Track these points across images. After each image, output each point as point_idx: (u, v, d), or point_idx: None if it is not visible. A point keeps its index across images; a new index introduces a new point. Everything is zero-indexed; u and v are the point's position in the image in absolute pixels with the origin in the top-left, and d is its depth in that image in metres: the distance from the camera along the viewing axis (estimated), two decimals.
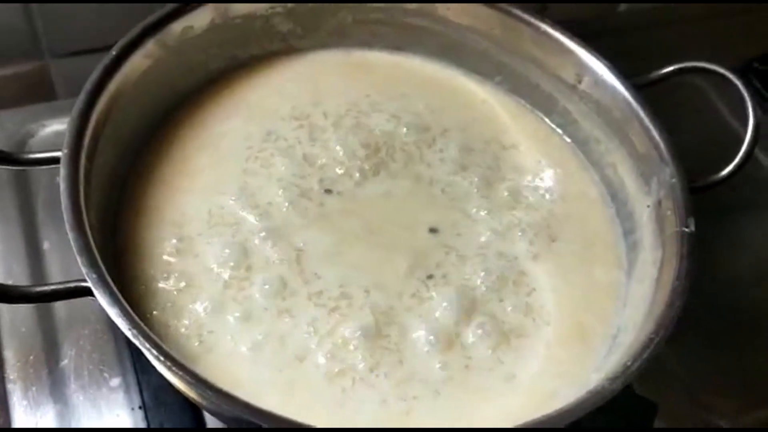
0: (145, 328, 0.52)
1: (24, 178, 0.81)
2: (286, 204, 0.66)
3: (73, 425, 0.68)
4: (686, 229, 0.62)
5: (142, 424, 0.68)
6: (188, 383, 0.50)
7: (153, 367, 0.55)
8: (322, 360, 0.58)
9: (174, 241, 0.63)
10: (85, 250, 0.53)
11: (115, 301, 0.52)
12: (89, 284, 0.52)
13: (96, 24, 0.86)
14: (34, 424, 0.67)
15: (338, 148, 0.70)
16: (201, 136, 0.70)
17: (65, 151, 0.57)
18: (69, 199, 0.55)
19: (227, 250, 0.63)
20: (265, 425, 0.49)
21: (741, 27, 1.04)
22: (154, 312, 0.59)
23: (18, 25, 0.90)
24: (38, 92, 0.92)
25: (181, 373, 0.50)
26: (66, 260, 0.75)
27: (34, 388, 0.69)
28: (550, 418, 0.51)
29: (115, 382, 0.70)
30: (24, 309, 0.73)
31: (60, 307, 0.73)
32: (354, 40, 0.78)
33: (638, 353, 0.55)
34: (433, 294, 0.63)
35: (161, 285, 0.61)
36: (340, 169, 0.69)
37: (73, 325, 0.72)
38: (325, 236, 0.64)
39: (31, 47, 0.90)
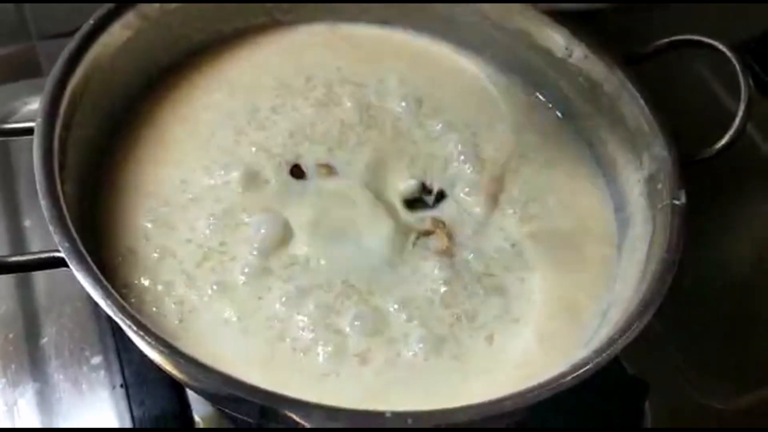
0: (120, 299, 0.50)
1: (5, 155, 0.80)
2: (267, 178, 0.65)
3: (54, 404, 0.67)
4: (677, 202, 0.61)
5: (123, 403, 0.67)
6: (163, 354, 0.49)
7: (135, 345, 0.54)
8: (303, 333, 0.57)
9: (152, 213, 0.62)
10: (58, 220, 0.52)
11: (89, 271, 0.50)
12: (63, 254, 0.51)
13: (83, 6, 0.85)
14: (13, 402, 0.67)
15: (322, 122, 0.69)
16: (182, 109, 0.68)
17: (38, 120, 0.56)
18: (42, 168, 0.54)
19: (206, 222, 0.61)
20: (243, 397, 0.48)
21: (737, 8, 1.03)
22: (134, 282, 0.58)
23: (6, 7, 0.89)
24: (25, 73, 0.91)
25: (155, 344, 0.49)
26: (48, 238, 0.73)
27: (13, 366, 0.68)
28: (532, 390, 0.50)
29: (97, 360, 0.69)
30: (4, 287, 0.72)
31: (41, 284, 0.72)
32: (341, 14, 0.76)
33: (626, 327, 0.54)
34: (425, 268, 0.62)
35: (140, 257, 0.59)
36: (323, 143, 0.68)
37: (54, 302, 0.72)
38: (306, 209, 0.63)
39: (18, 29, 0.90)
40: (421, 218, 0.65)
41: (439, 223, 0.65)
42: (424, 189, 0.67)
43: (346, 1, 0.75)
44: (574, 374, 0.50)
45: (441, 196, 0.67)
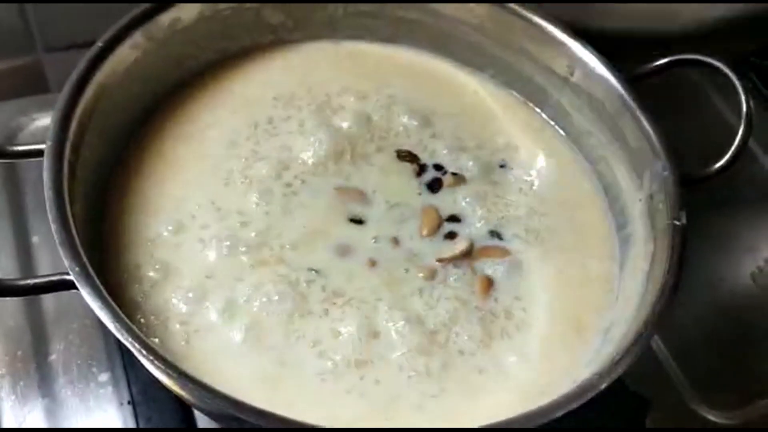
0: (128, 321, 0.51)
1: (14, 173, 0.80)
2: (272, 194, 0.65)
3: (62, 420, 0.68)
4: (677, 222, 0.61)
5: (130, 420, 0.67)
6: (171, 377, 0.49)
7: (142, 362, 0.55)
8: (310, 353, 0.58)
9: (160, 231, 0.62)
10: (68, 243, 0.52)
11: (98, 294, 0.51)
12: (72, 277, 0.52)
13: (88, 19, 0.85)
14: (22, 418, 0.67)
15: (326, 138, 0.69)
16: (187, 128, 0.69)
17: (49, 143, 0.57)
18: (52, 192, 0.55)
19: (213, 240, 0.62)
20: (248, 420, 0.49)
21: (738, 21, 1.03)
22: (139, 300, 0.59)
23: (12, 20, 0.90)
24: (31, 86, 0.92)
25: (163, 367, 0.49)
26: (55, 254, 0.73)
27: (22, 383, 0.69)
28: (535, 412, 0.50)
29: (104, 377, 0.70)
30: (12, 304, 0.72)
31: (49, 301, 0.73)
32: (345, 32, 0.77)
33: (628, 347, 0.55)
34: (425, 285, 0.62)
35: (148, 275, 0.60)
36: (327, 160, 0.68)
37: (61, 319, 0.72)
38: (311, 224, 0.64)
39: (24, 42, 0.90)
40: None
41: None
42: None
43: (350, 21, 0.76)
44: (581, 397, 0.51)
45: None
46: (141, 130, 0.69)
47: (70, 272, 0.51)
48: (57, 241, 0.52)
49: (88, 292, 0.51)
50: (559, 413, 0.51)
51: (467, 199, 0.68)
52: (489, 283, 0.64)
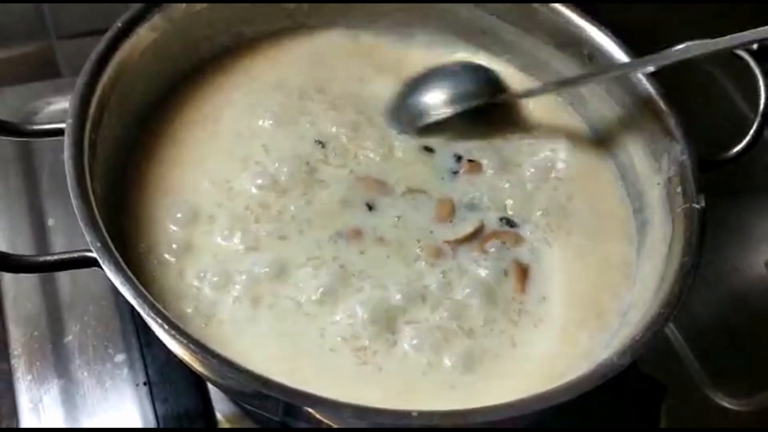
0: (150, 296, 0.51)
1: (29, 155, 0.81)
2: (288, 176, 0.65)
3: (78, 400, 0.68)
4: (696, 206, 0.61)
5: (146, 400, 0.67)
6: (192, 351, 0.49)
7: (158, 343, 0.55)
8: (327, 333, 0.58)
9: (177, 212, 0.62)
10: (90, 220, 0.52)
11: (119, 269, 0.51)
12: (94, 254, 0.52)
13: (101, 7, 0.86)
14: (38, 398, 0.67)
15: (342, 125, 0.69)
16: (203, 109, 0.69)
17: (70, 120, 0.57)
18: (73, 169, 0.55)
19: (230, 222, 0.62)
20: (268, 393, 0.49)
21: (756, 9, 1.03)
22: (158, 278, 0.59)
23: (26, 7, 0.90)
24: (44, 72, 0.92)
25: (184, 340, 0.49)
26: (70, 236, 0.75)
27: (38, 363, 0.69)
28: (554, 391, 0.50)
29: (120, 357, 0.70)
30: (29, 285, 0.73)
31: (65, 282, 0.73)
32: (361, 18, 0.77)
33: (646, 329, 0.55)
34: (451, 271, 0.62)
35: (165, 257, 0.60)
36: (344, 143, 0.68)
37: (77, 300, 0.72)
38: (326, 208, 0.64)
39: (37, 28, 0.91)
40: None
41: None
42: None
43: (365, 7, 0.76)
44: (600, 376, 0.51)
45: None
46: (158, 111, 0.69)
47: (92, 248, 0.51)
48: (79, 218, 0.52)
49: (110, 268, 0.51)
50: (576, 392, 0.51)
51: (483, 187, 0.68)
52: (523, 272, 0.63)
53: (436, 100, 0.70)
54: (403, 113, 0.71)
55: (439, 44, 0.77)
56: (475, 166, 0.69)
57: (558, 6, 0.72)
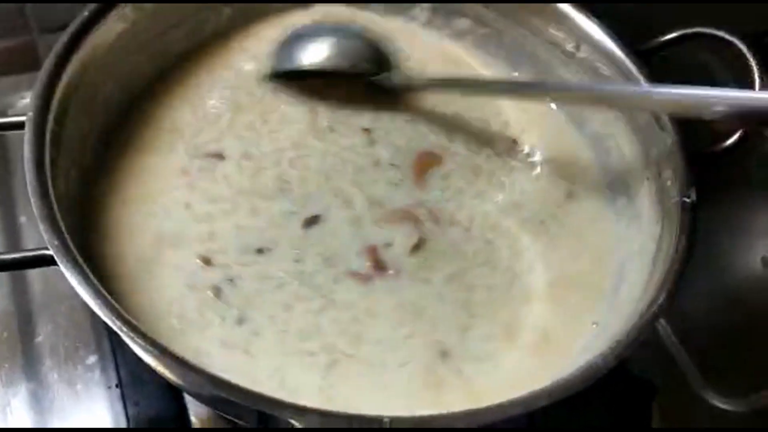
0: (110, 298, 0.49)
1: (3, 151, 0.79)
2: (274, 166, 0.64)
3: (48, 404, 0.66)
4: (687, 199, 0.59)
5: (118, 403, 0.65)
6: (154, 356, 0.47)
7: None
8: (299, 338, 0.56)
9: (150, 213, 0.60)
10: (47, 216, 0.50)
11: (78, 269, 0.49)
12: (51, 252, 0.50)
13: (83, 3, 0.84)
14: (6, 402, 0.65)
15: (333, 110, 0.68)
16: (175, 102, 0.67)
17: (29, 113, 0.55)
18: (32, 162, 0.52)
19: (207, 213, 0.60)
20: (235, 401, 0.46)
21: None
22: (125, 288, 0.56)
23: (7, 2, 0.89)
24: (24, 67, 0.90)
25: (145, 344, 0.47)
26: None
27: (7, 365, 0.67)
28: (535, 395, 0.48)
29: (92, 359, 0.68)
30: None
31: (36, 283, 0.71)
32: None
33: (633, 329, 0.52)
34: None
35: (133, 261, 0.58)
36: (334, 135, 0.67)
37: (48, 301, 0.70)
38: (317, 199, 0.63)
39: (18, 22, 0.89)
40: None
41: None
42: None
43: None
44: (584, 378, 0.49)
45: None
46: (132, 104, 0.66)
47: (49, 246, 0.49)
48: (36, 214, 0.50)
49: (67, 267, 0.49)
50: (563, 396, 0.49)
51: (462, 181, 0.66)
52: None
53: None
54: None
55: None
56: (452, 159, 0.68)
57: None
